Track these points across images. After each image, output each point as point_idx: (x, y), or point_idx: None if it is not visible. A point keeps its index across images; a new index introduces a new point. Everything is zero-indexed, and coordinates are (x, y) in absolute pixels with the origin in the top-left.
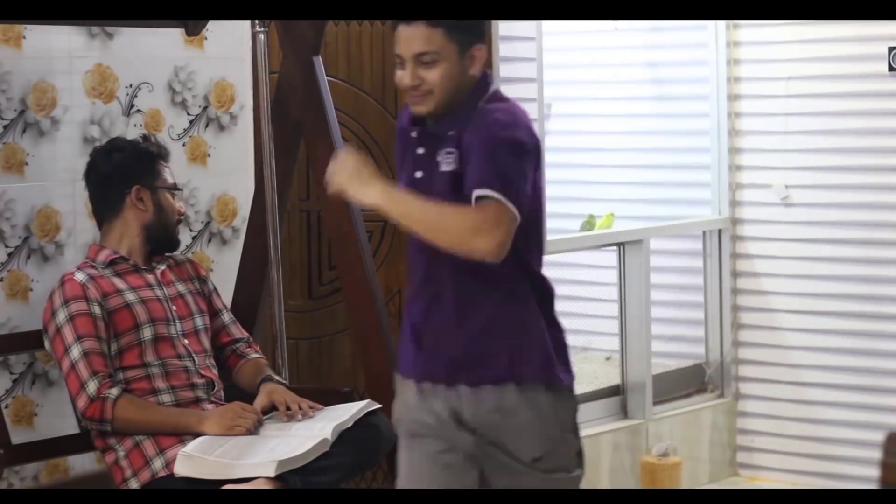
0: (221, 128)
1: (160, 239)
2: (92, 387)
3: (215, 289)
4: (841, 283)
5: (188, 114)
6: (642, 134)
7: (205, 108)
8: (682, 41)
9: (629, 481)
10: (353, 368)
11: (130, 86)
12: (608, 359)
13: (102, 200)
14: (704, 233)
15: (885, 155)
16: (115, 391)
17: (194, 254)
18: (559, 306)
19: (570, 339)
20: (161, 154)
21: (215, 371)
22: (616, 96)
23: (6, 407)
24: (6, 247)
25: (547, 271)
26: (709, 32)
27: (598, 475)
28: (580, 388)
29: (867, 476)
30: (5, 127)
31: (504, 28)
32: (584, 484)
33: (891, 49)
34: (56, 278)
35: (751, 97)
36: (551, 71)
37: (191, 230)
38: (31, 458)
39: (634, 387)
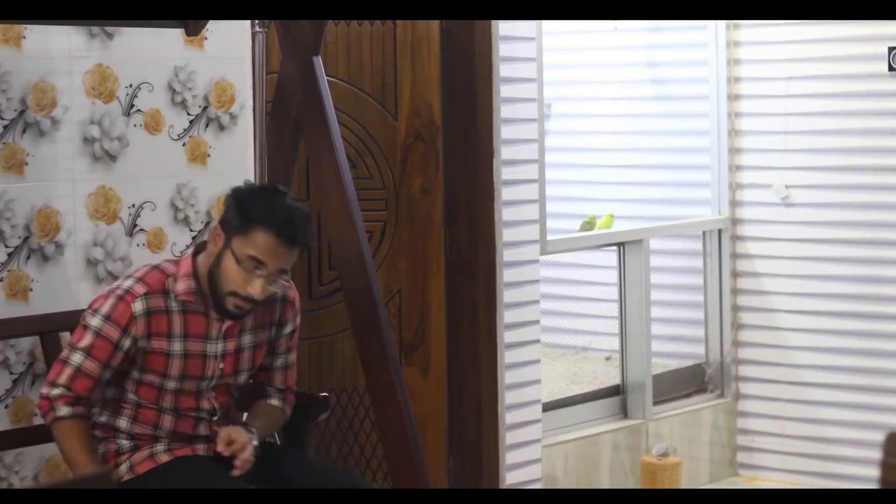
0: (221, 128)
1: (213, 297)
2: (56, 391)
3: (295, 330)
4: (841, 283)
5: (188, 114)
6: (642, 134)
7: (205, 108)
8: (682, 41)
9: (629, 481)
10: (354, 368)
11: (130, 86)
12: (608, 359)
13: (224, 222)
14: (704, 233)
15: (885, 155)
16: (65, 411)
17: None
18: (559, 306)
19: (570, 339)
20: (278, 226)
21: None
22: (616, 96)
23: (6, 407)
24: (6, 247)
25: (547, 271)
26: (709, 32)
27: (598, 475)
28: (580, 388)
29: (867, 476)
30: (5, 127)
31: (504, 28)
32: (585, 484)
33: (891, 49)
34: (57, 278)
35: (751, 97)
36: (551, 71)
37: (191, 230)
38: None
39: (634, 387)
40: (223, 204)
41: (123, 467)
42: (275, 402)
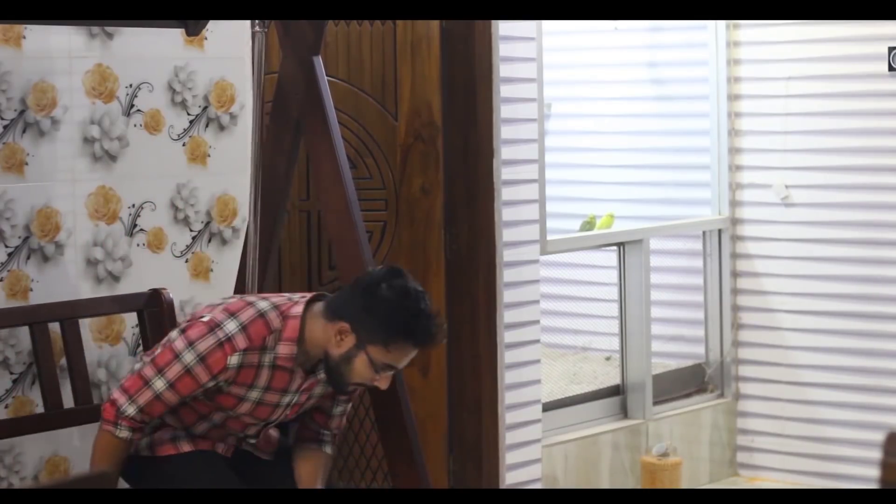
0: (221, 128)
1: (329, 375)
2: (130, 410)
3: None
4: (841, 283)
5: (188, 114)
6: (642, 134)
7: (205, 108)
8: (682, 41)
9: (629, 481)
10: None
11: (130, 86)
12: (608, 359)
13: (339, 297)
14: (704, 233)
15: (885, 155)
16: (126, 434)
17: (194, 254)
18: (559, 306)
19: (570, 339)
20: (419, 337)
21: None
22: (616, 96)
23: (6, 407)
24: (6, 247)
25: (547, 271)
26: (709, 32)
27: (598, 475)
28: (580, 388)
29: (867, 476)
30: (5, 127)
31: (504, 28)
32: (585, 484)
33: (891, 49)
34: (57, 278)
35: (751, 97)
36: (551, 71)
37: (190, 230)
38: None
39: (634, 387)
40: (348, 299)
41: (143, 442)
42: (328, 449)
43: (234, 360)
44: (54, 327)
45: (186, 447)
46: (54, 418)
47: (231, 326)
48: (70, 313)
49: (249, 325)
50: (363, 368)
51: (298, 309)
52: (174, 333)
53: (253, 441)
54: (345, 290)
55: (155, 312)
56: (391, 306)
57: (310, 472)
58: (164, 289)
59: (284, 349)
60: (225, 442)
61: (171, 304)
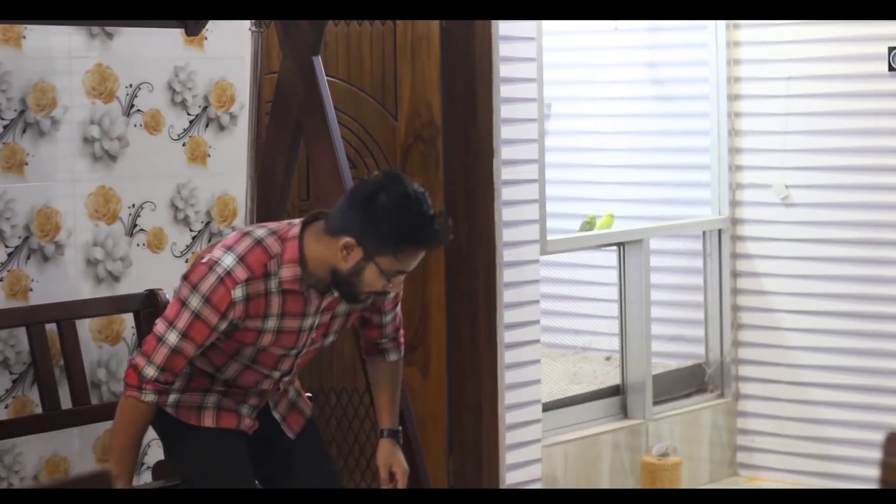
0: (221, 128)
1: (340, 290)
2: (150, 372)
3: (398, 294)
4: (841, 283)
5: (188, 114)
6: (642, 134)
7: (205, 108)
8: (682, 41)
9: (629, 481)
10: (354, 368)
11: (130, 86)
12: (608, 359)
13: (338, 212)
14: (704, 233)
15: (885, 155)
16: (151, 398)
17: (194, 254)
18: (559, 306)
19: (570, 339)
20: (427, 241)
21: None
22: (616, 96)
23: (6, 407)
24: (6, 247)
25: (547, 271)
26: (709, 32)
27: (598, 475)
28: (580, 388)
29: (867, 476)
30: (5, 127)
31: (504, 28)
32: (585, 484)
33: (891, 49)
34: (57, 278)
35: (751, 97)
36: (551, 71)
37: (190, 230)
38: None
39: (634, 387)
40: (348, 212)
41: (171, 398)
42: (392, 357)
43: (238, 292)
44: (51, 327)
45: (209, 420)
46: (53, 419)
47: (228, 260)
48: (67, 314)
49: (247, 255)
50: (374, 279)
51: (296, 231)
52: (179, 283)
53: (281, 414)
54: (342, 203)
55: (151, 313)
56: (394, 215)
57: (380, 382)
58: (161, 289)
59: (287, 272)
60: (254, 400)
61: (166, 304)
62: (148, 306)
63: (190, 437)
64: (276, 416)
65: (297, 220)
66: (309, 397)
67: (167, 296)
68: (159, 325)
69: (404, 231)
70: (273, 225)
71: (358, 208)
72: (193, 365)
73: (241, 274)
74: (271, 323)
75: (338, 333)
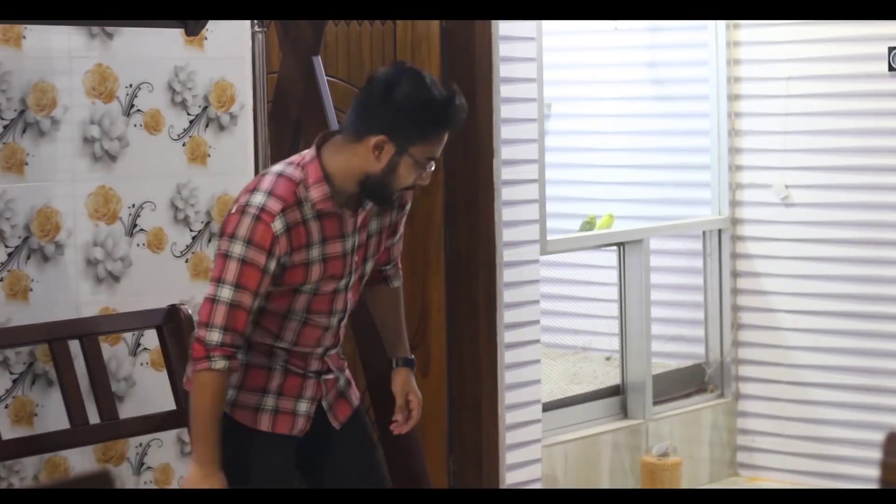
0: (221, 128)
1: (373, 194)
2: (214, 336)
3: (408, 210)
4: (841, 283)
5: (188, 114)
6: (642, 134)
7: (205, 108)
8: (682, 41)
9: (629, 481)
10: (354, 368)
11: (130, 86)
12: (608, 359)
13: (356, 118)
14: (704, 233)
15: (885, 155)
16: (222, 364)
17: (194, 254)
18: (559, 306)
19: (570, 339)
20: (453, 118)
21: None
22: (616, 96)
23: (6, 407)
24: (6, 247)
25: (547, 271)
26: (709, 32)
27: (598, 475)
28: (580, 388)
29: (867, 476)
30: (5, 127)
31: (504, 28)
32: (585, 484)
33: (891, 49)
34: (57, 278)
35: (751, 97)
36: (551, 71)
37: (190, 230)
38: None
39: (634, 387)
40: (369, 111)
41: (230, 394)
42: (395, 283)
43: (277, 225)
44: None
45: (265, 423)
46: (80, 434)
47: (258, 199)
48: (90, 329)
49: (274, 189)
50: (408, 172)
51: (312, 153)
52: (218, 242)
53: (328, 402)
54: (356, 109)
55: (174, 328)
56: (418, 101)
57: (385, 313)
58: (183, 304)
59: (317, 193)
60: (315, 364)
61: (189, 318)
62: (171, 321)
63: (242, 442)
64: (324, 404)
65: (306, 150)
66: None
67: (188, 309)
68: (210, 289)
69: (432, 114)
70: (284, 160)
71: (379, 105)
72: (251, 350)
73: (274, 206)
74: (315, 252)
75: (374, 259)
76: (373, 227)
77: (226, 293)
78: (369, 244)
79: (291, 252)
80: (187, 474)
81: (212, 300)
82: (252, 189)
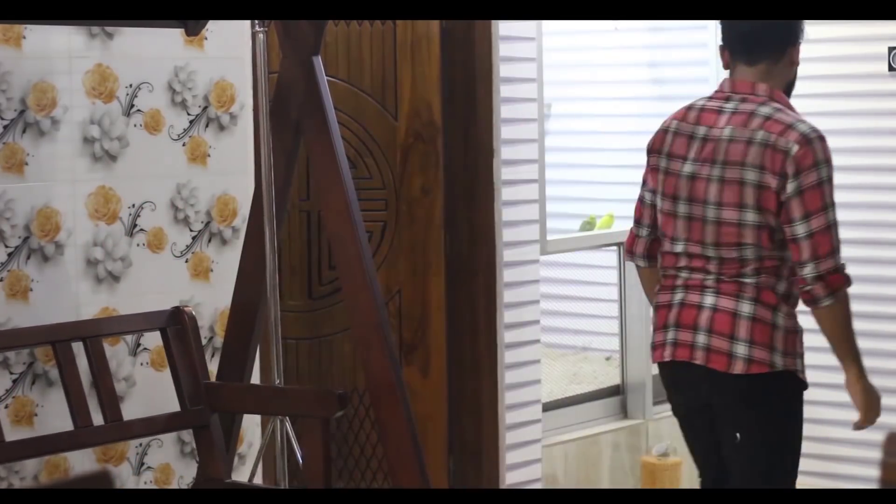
0: (221, 128)
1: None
2: (841, 263)
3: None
4: None
5: (188, 114)
6: (643, 134)
7: (205, 108)
8: (682, 41)
9: (629, 481)
10: (354, 368)
11: (130, 86)
12: (608, 359)
13: (764, 44)
14: None
15: (885, 155)
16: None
17: (194, 254)
18: (559, 306)
19: (570, 339)
20: None
21: None
22: (616, 96)
23: (6, 407)
24: (6, 247)
25: (547, 271)
26: (709, 32)
27: (598, 475)
28: (580, 388)
29: (867, 476)
30: (5, 127)
31: (504, 28)
32: (585, 484)
33: (891, 49)
34: (57, 278)
35: None
36: (551, 71)
37: (190, 230)
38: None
39: (634, 387)
40: (769, 35)
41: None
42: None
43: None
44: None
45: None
46: (84, 436)
47: (809, 124)
48: (94, 332)
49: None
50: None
51: (774, 95)
52: (803, 176)
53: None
54: (760, 37)
55: (178, 330)
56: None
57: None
58: (187, 306)
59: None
60: None
61: (193, 319)
62: (174, 323)
63: (800, 396)
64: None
65: (761, 96)
66: (341, 394)
67: (193, 311)
68: (817, 220)
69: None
70: (774, 105)
71: (774, 23)
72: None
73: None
74: None
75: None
76: None
77: (831, 215)
78: None
79: None
80: (861, 391)
81: (824, 227)
82: (790, 117)
